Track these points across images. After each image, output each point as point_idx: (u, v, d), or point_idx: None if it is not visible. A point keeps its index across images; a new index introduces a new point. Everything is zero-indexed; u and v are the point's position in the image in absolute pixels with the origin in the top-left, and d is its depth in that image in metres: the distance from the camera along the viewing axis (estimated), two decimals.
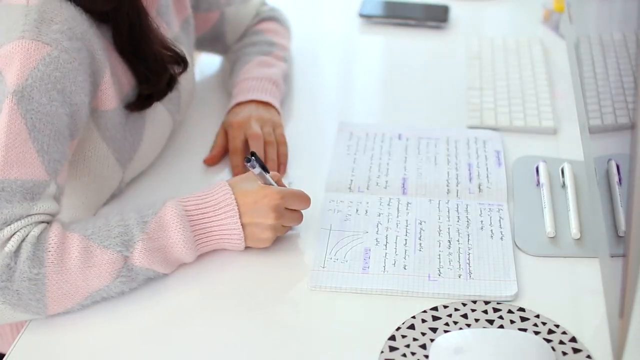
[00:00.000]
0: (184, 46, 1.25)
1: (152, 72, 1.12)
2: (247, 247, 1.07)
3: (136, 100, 1.13)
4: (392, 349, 0.95)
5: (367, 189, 1.20)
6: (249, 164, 1.04)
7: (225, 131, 1.28)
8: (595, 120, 1.10)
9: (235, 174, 1.22)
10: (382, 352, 0.95)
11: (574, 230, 1.10)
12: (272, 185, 1.07)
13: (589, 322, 1.00)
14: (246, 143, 1.25)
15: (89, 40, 1.03)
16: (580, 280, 1.06)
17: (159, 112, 1.20)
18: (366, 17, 1.70)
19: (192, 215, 1.03)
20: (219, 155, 1.26)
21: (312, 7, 1.80)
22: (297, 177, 1.22)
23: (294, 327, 0.99)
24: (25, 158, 0.97)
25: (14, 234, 0.96)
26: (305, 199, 1.09)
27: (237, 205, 1.04)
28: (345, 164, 1.25)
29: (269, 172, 1.08)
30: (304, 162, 1.27)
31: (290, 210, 1.08)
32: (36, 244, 0.96)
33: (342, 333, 0.98)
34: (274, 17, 1.48)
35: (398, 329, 0.98)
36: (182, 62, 1.17)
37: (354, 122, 1.37)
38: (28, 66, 0.97)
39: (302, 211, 1.10)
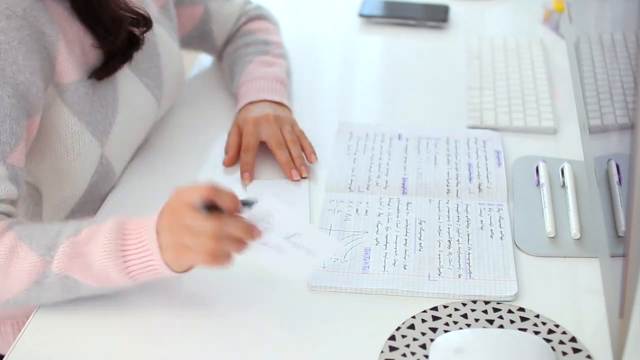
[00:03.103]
0: (163, 27, 1.25)
1: (109, 31, 1.11)
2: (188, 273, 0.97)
3: (101, 65, 1.12)
4: (392, 348, 0.95)
5: (367, 189, 1.20)
6: (243, 208, 0.94)
7: (238, 128, 1.28)
8: (595, 120, 1.10)
9: (243, 170, 1.22)
10: (382, 352, 0.95)
11: (574, 230, 1.10)
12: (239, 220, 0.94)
13: (589, 322, 1.00)
14: (260, 141, 1.25)
15: (34, 16, 1.02)
16: (580, 280, 1.06)
17: (133, 83, 1.19)
18: (366, 17, 1.70)
19: (127, 228, 0.95)
20: (237, 155, 1.25)
21: (312, 7, 1.80)
22: (298, 183, 1.22)
23: (293, 327, 0.99)
24: None
25: None
26: (201, 189, 0.92)
27: (157, 228, 0.93)
28: (345, 164, 1.25)
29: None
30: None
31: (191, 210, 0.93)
32: None
33: (342, 333, 0.98)
34: (261, 16, 1.48)
35: (398, 329, 0.98)
36: (145, 21, 1.16)
37: (354, 122, 1.37)
38: None
39: (301, 213, 1.09)
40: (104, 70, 1.12)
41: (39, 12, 1.03)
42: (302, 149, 1.25)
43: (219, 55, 1.48)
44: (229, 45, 1.45)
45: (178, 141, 1.32)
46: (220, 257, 0.92)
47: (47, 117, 1.08)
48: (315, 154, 1.25)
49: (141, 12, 1.15)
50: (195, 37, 1.43)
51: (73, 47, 1.08)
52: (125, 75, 1.17)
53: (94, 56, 1.12)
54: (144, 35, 1.16)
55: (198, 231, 0.91)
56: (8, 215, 1.00)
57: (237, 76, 1.37)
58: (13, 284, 0.95)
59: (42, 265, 0.94)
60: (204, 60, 1.55)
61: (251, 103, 1.31)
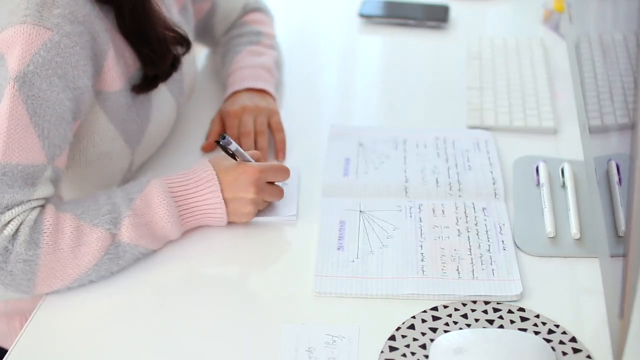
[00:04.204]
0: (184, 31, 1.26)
1: (156, 53, 1.13)
2: (230, 223, 1.11)
3: (142, 82, 1.14)
4: (392, 349, 0.95)
5: (367, 191, 1.20)
6: (223, 142, 1.08)
7: (221, 118, 1.31)
8: (595, 120, 1.10)
9: None
10: (382, 352, 0.95)
11: (574, 230, 1.10)
12: (251, 161, 1.11)
13: (589, 322, 1.00)
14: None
15: (91, 23, 1.03)
16: (580, 280, 1.06)
17: (164, 95, 1.21)
18: (366, 17, 1.70)
19: (175, 192, 1.07)
20: (214, 143, 1.28)
21: (312, 7, 1.80)
22: (296, 177, 1.22)
23: (293, 327, 0.99)
24: (27, 143, 0.98)
25: (13, 218, 0.98)
26: (283, 171, 1.13)
27: (219, 182, 1.08)
28: (344, 166, 1.25)
29: (242, 158, 1.11)
30: (302, 163, 1.26)
31: (270, 185, 1.12)
32: (33, 226, 0.98)
33: (342, 333, 0.98)
34: (258, 8, 1.50)
35: (398, 329, 0.98)
36: (185, 43, 1.19)
37: (354, 122, 1.37)
38: (30, 51, 0.97)
39: (301, 212, 1.10)
40: (144, 88, 1.15)
41: (95, 19, 1.05)
42: (275, 142, 1.28)
43: (217, 45, 1.49)
44: (225, 36, 1.46)
45: (185, 132, 1.33)
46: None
47: (84, 123, 1.09)
48: (284, 151, 1.27)
49: (181, 32, 1.17)
50: (197, 30, 1.43)
51: (119, 58, 1.09)
52: (158, 88, 1.18)
53: (133, 69, 1.13)
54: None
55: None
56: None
57: (226, 66, 1.39)
58: (83, 261, 1.01)
59: (110, 237, 1.02)
60: (205, 52, 1.55)
61: (236, 93, 1.33)
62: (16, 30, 0.98)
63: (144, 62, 1.13)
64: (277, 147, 1.28)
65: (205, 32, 1.45)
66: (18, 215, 0.98)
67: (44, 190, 1.01)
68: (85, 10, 1.03)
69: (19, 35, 0.97)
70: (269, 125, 1.30)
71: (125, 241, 1.03)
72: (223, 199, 1.08)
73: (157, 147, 1.27)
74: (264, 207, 1.14)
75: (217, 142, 1.09)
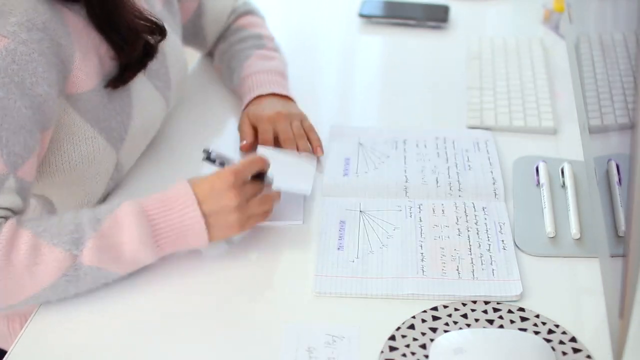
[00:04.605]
0: (167, 24, 1.25)
1: (126, 41, 1.11)
2: (216, 241, 1.06)
3: (116, 75, 1.13)
4: (392, 349, 0.95)
5: (367, 191, 1.20)
6: (207, 160, 1.07)
7: (250, 122, 1.29)
8: (595, 120, 1.10)
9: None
10: (382, 352, 0.95)
11: (574, 230, 1.10)
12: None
13: (589, 322, 1.00)
14: (275, 137, 1.28)
15: (53, 29, 1.02)
16: (580, 280, 1.06)
17: (145, 88, 1.20)
18: (366, 17, 1.70)
19: (149, 211, 1.01)
20: (254, 143, 1.27)
21: (312, 7, 1.80)
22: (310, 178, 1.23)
23: (293, 327, 0.99)
24: None
25: None
26: (257, 161, 1.08)
27: (195, 195, 1.02)
28: (344, 166, 1.25)
29: (230, 163, 1.09)
30: None
31: (251, 184, 1.07)
32: None
33: (342, 333, 0.98)
34: (249, 11, 1.49)
35: (398, 329, 0.98)
36: (159, 30, 1.17)
37: (354, 122, 1.37)
38: None
39: (302, 217, 1.10)
40: (119, 80, 1.13)
41: (57, 24, 1.04)
42: (310, 142, 1.27)
43: (209, 52, 1.49)
44: (222, 43, 1.45)
45: (179, 136, 1.32)
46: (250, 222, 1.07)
47: (60, 128, 1.08)
48: (321, 147, 1.27)
49: (155, 20, 1.16)
50: (187, 33, 1.43)
51: (89, 57, 1.09)
52: (138, 81, 1.17)
53: (109, 64, 1.12)
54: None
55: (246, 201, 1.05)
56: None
57: (237, 71, 1.38)
58: (38, 281, 0.97)
59: (70, 259, 0.97)
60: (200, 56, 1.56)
61: (260, 97, 1.32)
62: None
63: (116, 51, 1.12)
64: (314, 145, 1.27)
65: (196, 34, 1.45)
66: None
67: (5, 199, 0.98)
68: (44, 17, 1.02)
69: None
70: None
71: (86, 264, 0.98)
72: (202, 213, 1.01)
73: (146, 146, 1.25)
74: (257, 209, 1.08)
75: (206, 158, 1.08)
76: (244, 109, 1.33)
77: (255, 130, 1.29)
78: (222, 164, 1.09)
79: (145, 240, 1.00)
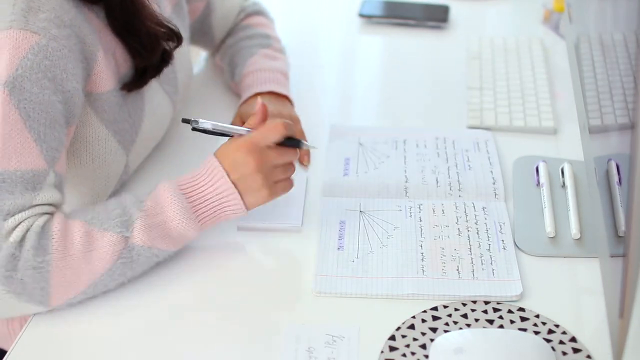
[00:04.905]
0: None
1: (145, 47, 1.12)
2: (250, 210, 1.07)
3: (132, 78, 1.13)
4: (392, 349, 0.95)
5: (367, 191, 1.20)
6: (196, 126, 1.08)
7: (241, 120, 1.29)
8: (595, 120, 1.10)
9: None
10: (382, 352, 0.95)
11: (574, 230, 1.10)
12: (240, 132, 1.09)
13: (589, 322, 1.00)
14: None
15: (78, 26, 1.03)
16: (580, 280, 1.06)
17: (156, 92, 1.20)
18: (366, 17, 1.70)
19: (185, 189, 1.04)
20: None
21: (312, 7, 1.80)
22: (296, 179, 1.22)
23: (293, 327, 0.99)
24: (24, 148, 0.97)
25: (18, 225, 0.97)
26: (275, 128, 1.07)
27: (223, 167, 1.05)
28: (344, 165, 1.25)
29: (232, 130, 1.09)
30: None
31: (273, 150, 1.07)
32: (40, 232, 0.97)
33: (342, 333, 0.98)
34: (259, 11, 1.49)
35: (398, 329, 0.98)
36: (176, 37, 1.18)
37: (354, 122, 1.37)
38: (17, 56, 0.97)
39: (300, 218, 1.11)
40: (135, 84, 1.14)
41: (82, 22, 1.04)
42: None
43: (216, 49, 1.48)
44: (229, 38, 1.45)
45: (181, 136, 1.32)
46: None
47: (76, 127, 1.08)
48: (308, 157, 1.26)
49: (172, 27, 1.17)
50: (195, 31, 1.43)
51: (109, 58, 1.09)
52: (150, 85, 1.18)
53: (124, 67, 1.12)
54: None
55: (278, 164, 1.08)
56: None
57: (239, 67, 1.38)
58: (95, 267, 0.99)
59: (123, 241, 1.00)
60: (203, 54, 1.55)
61: (256, 95, 1.31)
62: (3, 36, 0.97)
63: (134, 56, 1.12)
64: (301, 152, 1.24)
65: (203, 33, 1.44)
66: (23, 221, 0.97)
67: (47, 195, 1.00)
68: (71, 14, 1.02)
69: (5, 40, 0.97)
70: None
71: (138, 244, 1.01)
72: (231, 181, 1.05)
73: (152, 148, 1.26)
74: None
75: (193, 129, 1.08)
76: (239, 106, 1.33)
77: None
78: (223, 135, 1.09)
79: (186, 215, 1.03)
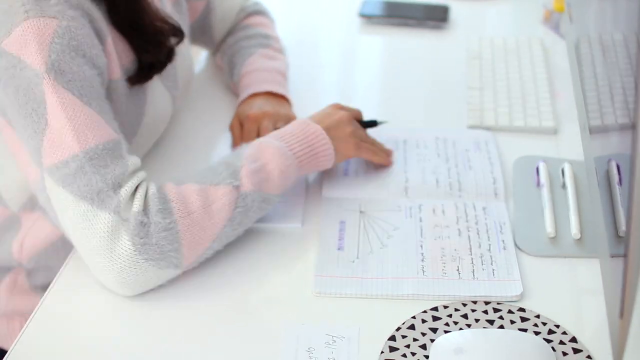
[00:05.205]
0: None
1: (151, 43, 1.13)
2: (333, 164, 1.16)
3: (138, 72, 1.14)
4: (392, 349, 0.95)
5: (367, 191, 1.20)
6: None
7: (240, 123, 1.30)
8: (595, 120, 1.09)
9: None
10: (382, 352, 0.95)
11: (574, 230, 1.10)
12: None
13: (589, 322, 1.00)
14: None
15: (88, 8, 1.03)
16: (581, 280, 1.06)
17: (157, 87, 1.21)
18: (366, 17, 1.70)
19: (280, 134, 1.12)
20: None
21: (312, 7, 1.80)
22: (303, 186, 1.23)
23: (293, 327, 0.99)
24: (93, 123, 0.99)
25: (133, 193, 0.99)
26: (358, 112, 1.24)
27: (313, 119, 1.15)
28: (344, 165, 1.25)
29: None
30: None
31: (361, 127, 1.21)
32: (159, 197, 0.99)
33: (342, 333, 0.98)
34: (260, 11, 1.49)
35: (398, 329, 0.98)
36: (179, 33, 1.18)
37: None
38: (45, 43, 0.97)
39: (300, 219, 1.12)
40: (140, 78, 1.14)
41: (91, 6, 1.05)
42: None
43: (217, 48, 1.48)
44: (229, 38, 1.45)
45: (182, 134, 1.33)
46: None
47: None
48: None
49: (174, 23, 1.17)
50: (195, 31, 1.43)
51: (116, 47, 1.10)
52: (152, 80, 1.18)
53: (127, 60, 1.12)
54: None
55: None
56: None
57: (238, 67, 1.38)
58: (218, 218, 1.02)
59: (236, 190, 1.04)
60: (203, 54, 1.55)
61: (253, 95, 1.32)
62: (23, 28, 0.97)
63: (138, 52, 1.13)
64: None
65: (203, 32, 1.44)
66: (135, 189, 0.99)
67: (134, 161, 1.02)
68: (82, 0, 1.03)
69: (28, 31, 0.97)
70: None
71: (248, 190, 1.04)
72: (322, 128, 1.13)
73: (153, 144, 1.26)
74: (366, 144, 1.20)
75: None
76: (237, 106, 1.33)
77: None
78: None
79: (283, 153, 1.08)
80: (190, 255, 1.01)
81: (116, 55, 1.09)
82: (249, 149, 1.08)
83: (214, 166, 1.06)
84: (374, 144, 1.22)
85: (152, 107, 1.19)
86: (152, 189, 1.00)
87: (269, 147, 1.08)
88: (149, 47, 1.13)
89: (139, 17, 1.11)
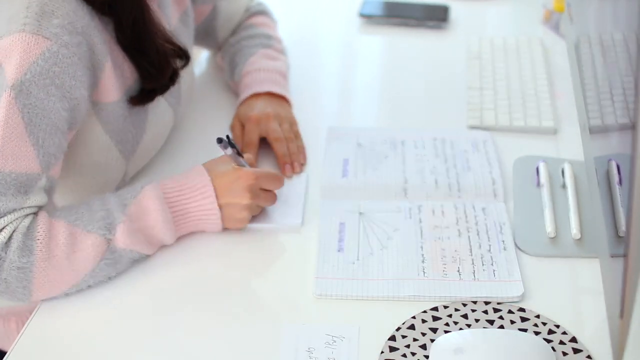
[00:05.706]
0: (183, 38, 1.25)
1: (155, 66, 1.12)
2: (225, 230, 1.11)
3: (139, 95, 1.13)
4: (392, 349, 0.95)
5: (366, 192, 1.20)
6: (220, 145, 1.08)
7: (241, 124, 1.29)
8: (595, 120, 1.09)
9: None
10: (382, 352, 0.95)
11: (574, 230, 1.10)
12: (245, 167, 1.11)
13: (589, 322, 1.00)
14: (261, 138, 1.27)
15: (90, 34, 1.03)
16: (581, 280, 1.06)
17: (160, 104, 1.20)
18: (366, 17, 1.69)
19: (170, 198, 1.06)
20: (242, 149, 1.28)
21: (312, 7, 1.80)
22: (296, 178, 1.22)
23: (293, 327, 0.99)
24: (21, 152, 0.97)
25: (5, 226, 0.97)
26: (278, 179, 1.13)
27: (214, 187, 1.07)
28: (343, 167, 1.25)
29: (242, 156, 1.12)
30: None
31: (264, 191, 1.12)
32: (26, 233, 0.98)
33: (342, 333, 0.98)
34: (263, 11, 1.49)
35: (398, 329, 0.98)
36: (184, 56, 1.18)
37: (354, 122, 1.37)
38: (27, 60, 0.97)
39: (301, 217, 1.11)
40: (140, 100, 1.14)
41: (94, 30, 1.04)
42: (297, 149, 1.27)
43: (219, 48, 1.48)
44: (231, 37, 1.45)
45: (181, 138, 1.32)
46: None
47: (79, 134, 1.09)
48: (304, 157, 1.27)
49: (180, 44, 1.16)
50: (199, 33, 1.43)
51: (116, 69, 1.09)
52: (156, 98, 1.17)
53: (131, 80, 1.12)
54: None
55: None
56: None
57: (239, 66, 1.38)
58: (79, 267, 1.00)
59: (106, 243, 1.01)
60: (204, 55, 1.55)
61: (254, 96, 1.31)
62: (14, 39, 0.97)
63: (142, 75, 1.12)
64: (300, 152, 1.27)
65: (207, 35, 1.44)
66: (10, 222, 0.98)
67: (37, 198, 1.00)
68: (84, 22, 1.02)
69: (17, 43, 0.97)
70: None
71: (120, 246, 1.02)
72: (218, 205, 1.08)
73: (151, 158, 1.25)
74: (261, 214, 1.14)
75: (218, 141, 1.08)
76: (237, 106, 1.33)
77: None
78: (238, 153, 1.11)
79: (168, 225, 1.06)
80: (40, 294, 1.00)
81: (115, 80, 1.09)
82: (135, 205, 1.04)
83: (94, 208, 1.03)
84: (262, 188, 1.13)
85: (154, 124, 1.19)
86: (24, 224, 0.98)
87: (155, 213, 1.04)
88: (153, 71, 1.12)
89: (145, 39, 1.10)
